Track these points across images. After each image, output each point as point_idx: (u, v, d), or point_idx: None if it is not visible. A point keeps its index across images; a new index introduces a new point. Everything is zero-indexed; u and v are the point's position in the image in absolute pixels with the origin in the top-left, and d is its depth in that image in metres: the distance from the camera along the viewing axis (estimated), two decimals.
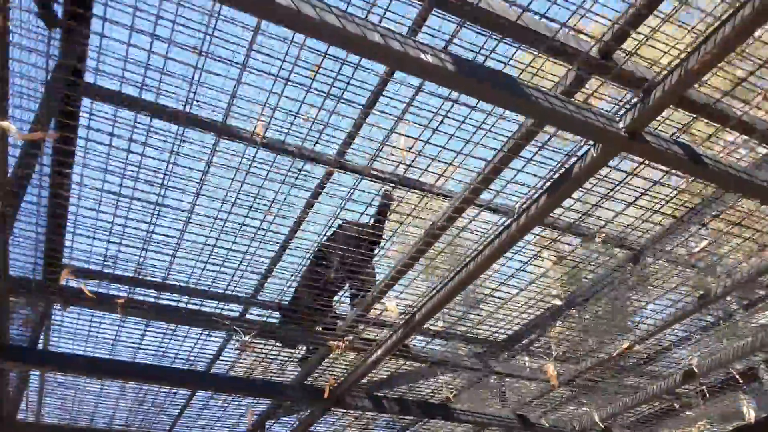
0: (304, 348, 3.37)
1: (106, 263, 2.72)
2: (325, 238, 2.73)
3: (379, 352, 2.91)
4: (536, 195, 2.05)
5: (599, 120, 1.74)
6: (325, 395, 3.13)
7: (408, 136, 2.21)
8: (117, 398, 4.19)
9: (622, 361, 3.79)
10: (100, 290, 2.80)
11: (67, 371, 2.87)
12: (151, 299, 2.87)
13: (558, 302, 2.99)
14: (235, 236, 2.61)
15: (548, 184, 2.03)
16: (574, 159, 1.98)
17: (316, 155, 2.46)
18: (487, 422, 3.70)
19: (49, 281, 2.71)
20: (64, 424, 4.31)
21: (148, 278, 2.82)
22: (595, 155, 1.84)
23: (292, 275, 2.89)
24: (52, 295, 2.69)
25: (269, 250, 2.77)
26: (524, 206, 2.07)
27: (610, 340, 3.52)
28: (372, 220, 2.79)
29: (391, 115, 2.13)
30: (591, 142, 1.87)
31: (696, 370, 3.27)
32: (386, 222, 2.79)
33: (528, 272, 3.14)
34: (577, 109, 1.72)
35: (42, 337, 3.28)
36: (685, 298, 3.22)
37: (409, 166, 2.13)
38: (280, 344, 3.29)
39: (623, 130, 1.77)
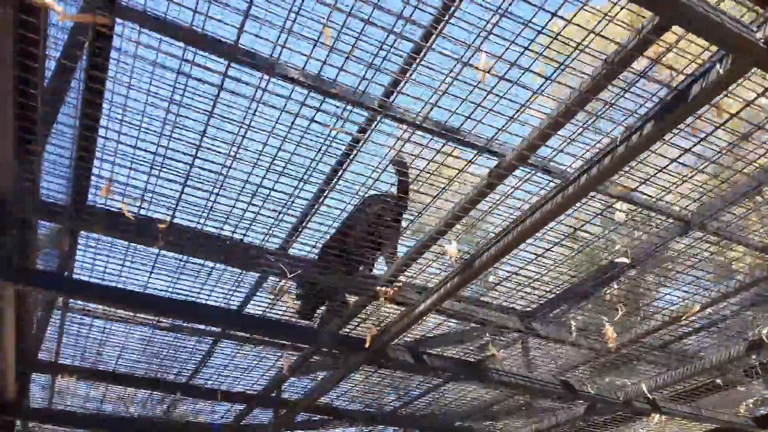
0: (324, 312, 3.24)
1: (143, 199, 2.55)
2: (348, 214, 2.67)
3: (429, 301, 2.71)
4: (640, 123, 1.80)
5: (735, 25, 1.49)
6: (367, 345, 2.94)
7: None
8: (141, 343, 4.07)
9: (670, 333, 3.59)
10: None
11: (97, 301, 2.69)
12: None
13: (625, 260, 2.76)
14: (274, 183, 2.42)
15: (655, 109, 1.78)
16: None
17: (364, 98, 2.26)
18: (529, 386, 3.50)
19: (78, 205, 2.52)
20: (86, 367, 4.18)
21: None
22: (722, 72, 1.59)
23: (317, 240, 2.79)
24: (84, 219, 2.50)
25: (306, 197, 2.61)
26: (626, 134, 1.83)
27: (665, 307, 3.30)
28: (397, 190, 2.75)
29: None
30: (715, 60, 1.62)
31: (766, 339, 3.04)
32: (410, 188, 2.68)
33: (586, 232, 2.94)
34: (713, 9, 1.46)
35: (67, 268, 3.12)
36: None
37: (499, 79, 1.88)
38: (298, 316, 3.14)
39: (762, 41, 1.52)
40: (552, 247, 2.90)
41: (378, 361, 3.22)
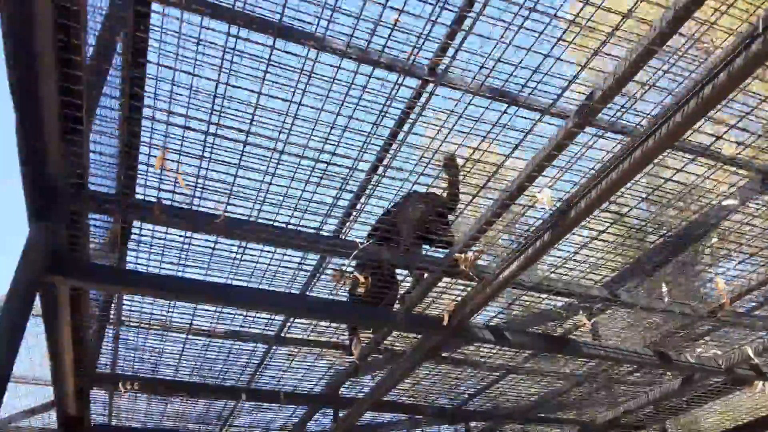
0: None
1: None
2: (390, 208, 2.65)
3: (514, 265, 2.43)
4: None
5: None
6: (445, 322, 2.69)
7: None
8: (198, 352, 3.92)
9: None
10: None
11: (154, 293, 2.50)
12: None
13: (733, 201, 2.45)
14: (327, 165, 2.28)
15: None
16: None
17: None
18: (622, 358, 3.19)
19: (126, 194, 2.35)
20: (145, 377, 4.03)
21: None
22: None
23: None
24: (134, 210, 2.32)
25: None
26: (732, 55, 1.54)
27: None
28: (446, 192, 2.81)
29: None
30: None
31: None
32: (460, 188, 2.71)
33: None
34: None
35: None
36: None
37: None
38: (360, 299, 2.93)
39: None
40: (644, 199, 2.63)
41: (459, 338, 2.97)
